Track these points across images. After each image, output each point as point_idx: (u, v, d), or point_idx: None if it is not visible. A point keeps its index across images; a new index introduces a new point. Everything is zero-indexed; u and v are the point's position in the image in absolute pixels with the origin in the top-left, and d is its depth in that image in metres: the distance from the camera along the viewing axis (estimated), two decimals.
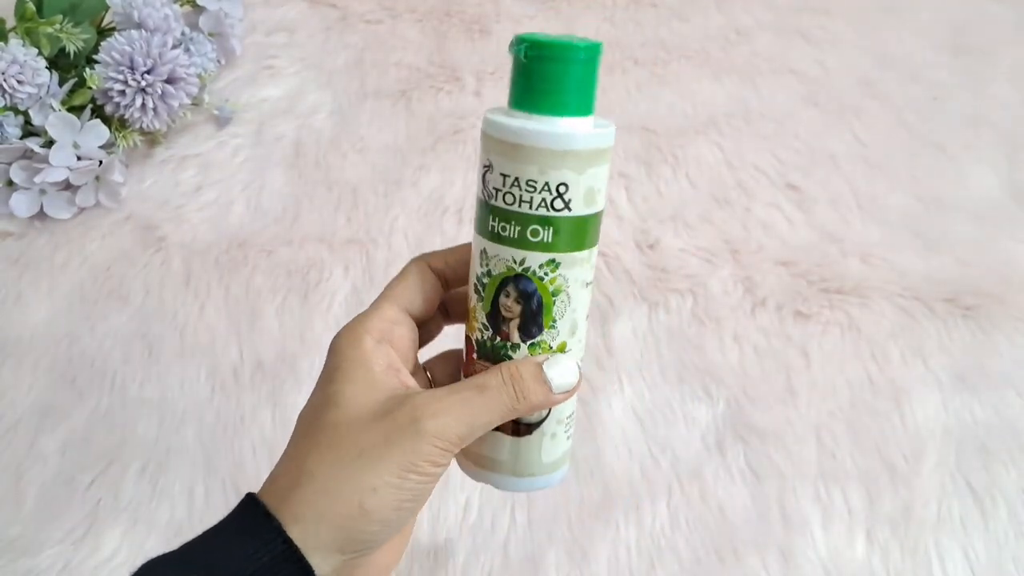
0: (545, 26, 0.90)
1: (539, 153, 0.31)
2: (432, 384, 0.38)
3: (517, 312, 0.33)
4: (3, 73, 0.65)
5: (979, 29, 0.88)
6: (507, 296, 0.33)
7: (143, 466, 0.54)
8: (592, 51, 0.32)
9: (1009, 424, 0.55)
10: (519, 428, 0.35)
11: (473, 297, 0.34)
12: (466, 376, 0.35)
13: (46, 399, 0.58)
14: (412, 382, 0.34)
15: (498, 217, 0.32)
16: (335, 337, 0.34)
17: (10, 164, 0.67)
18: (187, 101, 0.72)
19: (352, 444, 0.31)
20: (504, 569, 0.49)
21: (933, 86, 0.81)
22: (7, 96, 0.66)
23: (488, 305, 0.33)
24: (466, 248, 0.36)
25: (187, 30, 0.75)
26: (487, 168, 0.32)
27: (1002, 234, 0.67)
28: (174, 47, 0.71)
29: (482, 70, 0.83)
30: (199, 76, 0.73)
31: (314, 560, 0.30)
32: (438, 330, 0.39)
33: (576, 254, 0.33)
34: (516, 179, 0.31)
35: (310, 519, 0.30)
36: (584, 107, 0.32)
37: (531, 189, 0.31)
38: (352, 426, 0.31)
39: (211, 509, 0.52)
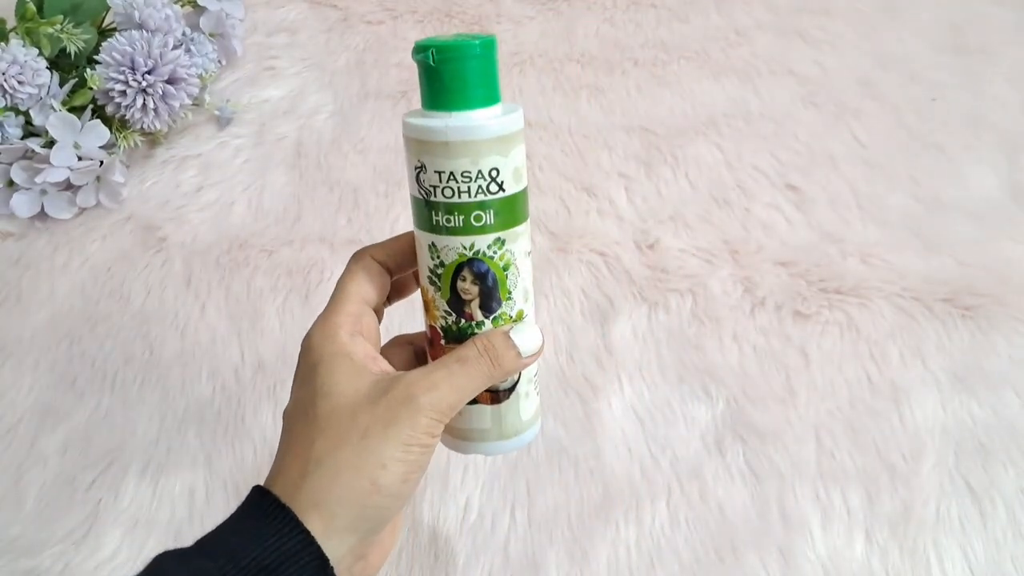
0: (545, 27, 0.90)
1: (468, 146, 0.34)
2: (420, 356, 0.41)
3: (475, 293, 0.36)
4: (4, 73, 0.65)
5: (979, 29, 0.88)
6: (463, 280, 0.36)
7: (143, 466, 0.54)
8: (490, 46, 0.34)
9: (1008, 424, 0.55)
10: (498, 396, 0.38)
11: (430, 289, 0.37)
12: (434, 359, 0.37)
13: (46, 399, 0.58)
14: (389, 367, 0.36)
15: (441, 211, 0.35)
16: (306, 337, 0.36)
17: (11, 164, 0.67)
18: (188, 102, 0.72)
19: (353, 428, 0.32)
20: (504, 569, 0.49)
21: (933, 86, 0.81)
22: (8, 96, 0.66)
23: (447, 292, 0.36)
24: (403, 238, 0.39)
25: (188, 30, 0.75)
26: (420, 169, 0.34)
27: (1002, 234, 0.67)
28: (175, 48, 0.71)
29: None
30: (200, 77, 0.73)
31: (331, 544, 0.31)
32: (381, 316, 0.41)
33: (516, 228, 0.36)
34: (451, 173, 0.34)
35: (327, 504, 0.31)
36: (494, 96, 0.35)
37: (467, 179, 0.34)
38: (349, 411, 0.33)
39: (212, 509, 0.53)
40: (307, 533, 0.31)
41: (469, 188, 0.34)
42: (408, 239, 0.38)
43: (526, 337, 0.36)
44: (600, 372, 0.58)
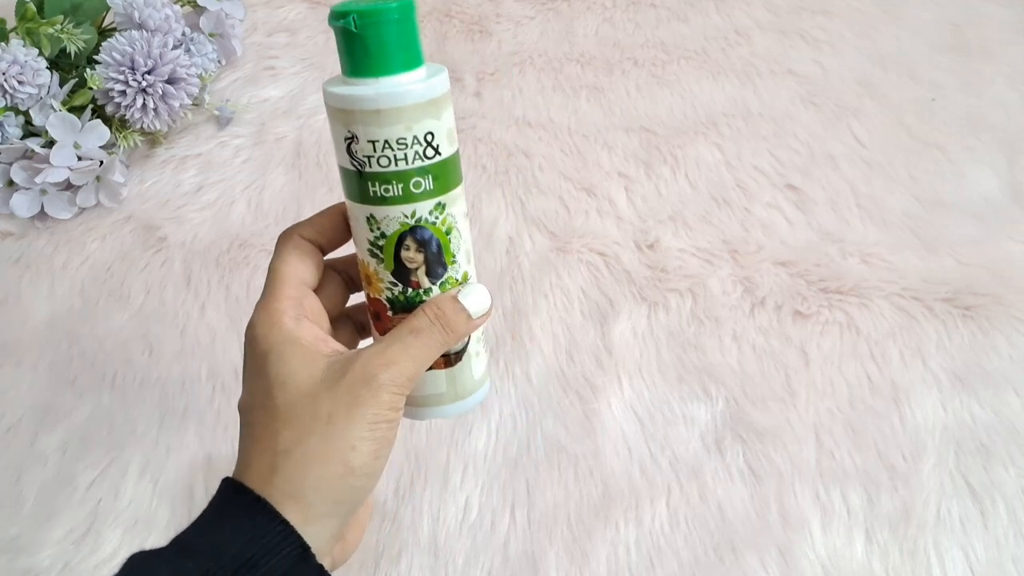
0: (545, 26, 0.90)
1: (401, 112, 0.33)
2: (361, 329, 0.41)
3: (420, 260, 0.35)
4: (4, 73, 0.65)
5: (979, 29, 0.88)
6: (407, 249, 0.35)
7: (143, 466, 0.54)
8: (409, 6, 0.33)
9: (1008, 424, 0.55)
10: (450, 359, 0.37)
11: (371, 262, 0.36)
12: (381, 333, 0.37)
13: (46, 399, 0.58)
14: (341, 347, 0.36)
15: (378, 181, 0.34)
16: (249, 327, 0.35)
17: (11, 164, 0.67)
18: (188, 101, 0.72)
19: (317, 414, 0.32)
20: (504, 569, 0.49)
21: (933, 86, 0.81)
22: (8, 96, 0.66)
23: (391, 263, 0.35)
24: (331, 212, 0.37)
25: (188, 30, 0.75)
26: (351, 140, 0.33)
27: (1002, 234, 0.67)
28: (175, 47, 0.71)
29: (482, 71, 0.84)
30: (200, 76, 0.73)
31: (311, 531, 0.31)
32: (344, 300, 0.40)
33: (454, 192, 0.35)
34: (386, 142, 0.33)
35: (303, 493, 0.31)
36: (418, 59, 0.34)
37: (403, 146, 0.33)
38: (309, 398, 0.33)
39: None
40: (286, 523, 0.31)
41: (406, 155, 0.33)
42: (337, 212, 0.37)
43: (475, 298, 0.36)
44: (600, 372, 0.58)
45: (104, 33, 0.75)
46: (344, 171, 0.35)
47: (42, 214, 0.69)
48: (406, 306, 0.36)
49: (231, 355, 0.60)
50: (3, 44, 0.67)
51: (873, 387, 0.57)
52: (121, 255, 0.67)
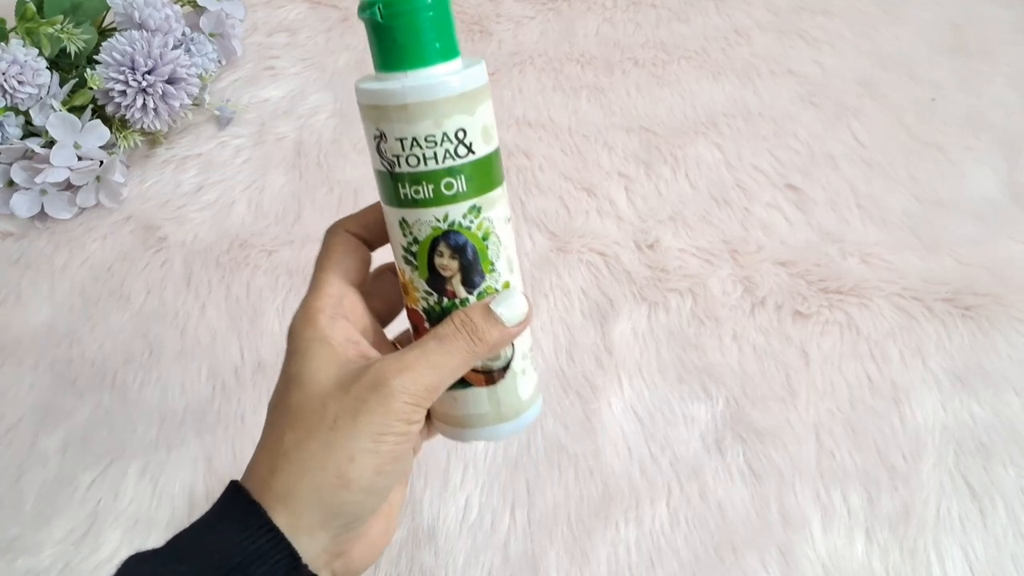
0: (545, 27, 0.90)
1: (429, 106, 0.31)
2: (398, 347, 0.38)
3: (455, 268, 0.33)
4: (4, 73, 0.65)
5: (979, 29, 0.88)
6: (441, 255, 0.33)
7: (143, 466, 0.54)
8: None
9: (1008, 424, 0.55)
10: (492, 376, 0.35)
11: (406, 269, 0.34)
12: None
13: (46, 399, 0.58)
14: (374, 352, 0.34)
15: (407, 182, 0.32)
16: (290, 324, 0.34)
17: (11, 164, 0.67)
18: (188, 101, 0.72)
19: (321, 417, 0.30)
20: (504, 569, 0.49)
21: (932, 86, 0.81)
22: (8, 96, 0.66)
23: (425, 271, 0.33)
24: (377, 206, 0.35)
25: (188, 30, 0.75)
26: (379, 138, 0.31)
27: (1002, 234, 0.67)
28: (175, 47, 0.71)
29: None
30: (200, 76, 0.73)
31: (302, 541, 0.30)
32: (400, 300, 0.38)
33: (492, 194, 0.33)
34: (414, 139, 0.31)
35: (294, 499, 0.30)
36: (452, 50, 0.32)
37: (432, 144, 0.31)
38: (319, 400, 0.31)
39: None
40: (276, 530, 0.29)
41: (435, 154, 0.31)
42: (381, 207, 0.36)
43: (508, 305, 0.33)
44: (600, 372, 0.58)
45: (104, 33, 0.75)
46: (377, 173, 0.33)
47: (42, 214, 0.69)
48: (443, 317, 0.34)
49: (231, 355, 0.60)
50: (3, 44, 0.67)
51: (873, 387, 0.57)
52: (121, 255, 0.67)
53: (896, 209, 0.70)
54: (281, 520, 0.30)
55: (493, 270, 0.33)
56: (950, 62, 0.84)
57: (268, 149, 0.76)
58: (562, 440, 0.55)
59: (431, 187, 0.32)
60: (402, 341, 0.38)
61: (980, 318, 0.61)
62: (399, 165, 0.31)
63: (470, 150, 0.32)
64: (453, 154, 0.31)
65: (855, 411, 0.56)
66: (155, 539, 0.51)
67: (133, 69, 0.68)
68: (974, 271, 0.64)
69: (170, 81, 0.70)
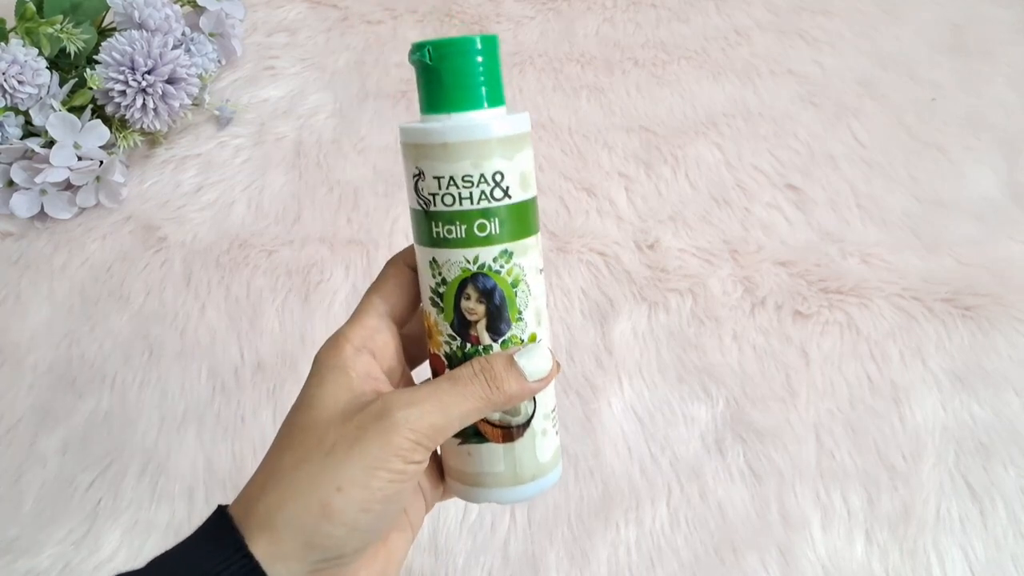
0: (545, 27, 0.90)
1: (469, 147, 0.31)
2: None
3: (481, 312, 0.33)
4: (3, 73, 0.65)
5: (979, 29, 0.88)
6: (468, 298, 0.32)
7: (143, 466, 0.54)
8: (491, 42, 0.32)
9: (1008, 424, 0.55)
10: (510, 432, 0.34)
11: (432, 312, 0.33)
12: None
13: (46, 400, 0.58)
14: (389, 388, 0.33)
15: (441, 221, 0.32)
16: (318, 351, 0.33)
17: (11, 164, 0.67)
18: (188, 101, 0.72)
19: (320, 443, 0.29)
20: (504, 569, 0.49)
21: (932, 86, 0.81)
22: (8, 96, 0.66)
23: (451, 313, 0.33)
24: None
25: (188, 30, 0.75)
26: (417, 176, 0.32)
27: (1002, 234, 0.67)
28: (175, 47, 0.71)
29: None
30: (200, 76, 0.73)
31: (276, 570, 0.28)
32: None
33: (525, 241, 0.33)
34: (451, 178, 0.31)
35: (275, 525, 0.28)
36: (498, 97, 0.33)
37: (468, 184, 0.31)
38: (322, 426, 0.30)
39: (211, 510, 0.52)
40: (250, 558, 0.28)
41: (471, 194, 0.31)
42: None
43: (533, 359, 0.32)
44: (600, 372, 0.58)
45: (104, 33, 0.75)
46: (412, 212, 0.33)
47: (42, 214, 0.69)
48: (464, 363, 0.33)
49: (231, 355, 0.60)
50: (3, 44, 0.67)
51: (873, 387, 0.57)
52: (121, 255, 0.67)
53: (896, 209, 0.70)
54: (260, 547, 0.28)
55: (520, 319, 0.33)
56: (950, 62, 0.84)
57: (268, 149, 0.76)
58: (562, 440, 0.55)
59: (464, 227, 0.32)
60: None
61: (980, 318, 0.61)
62: (434, 204, 0.32)
63: (506, 194, 0.32)
64: (489, 196, 0.32)
65: (855, 411, 0.56)
66: (155, 539, 0.51)
67: (133, 69, 0.68)
68: (974, 271, 0.64)
69: (170, 81, 0.70)
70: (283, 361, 0.60)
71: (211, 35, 0.78)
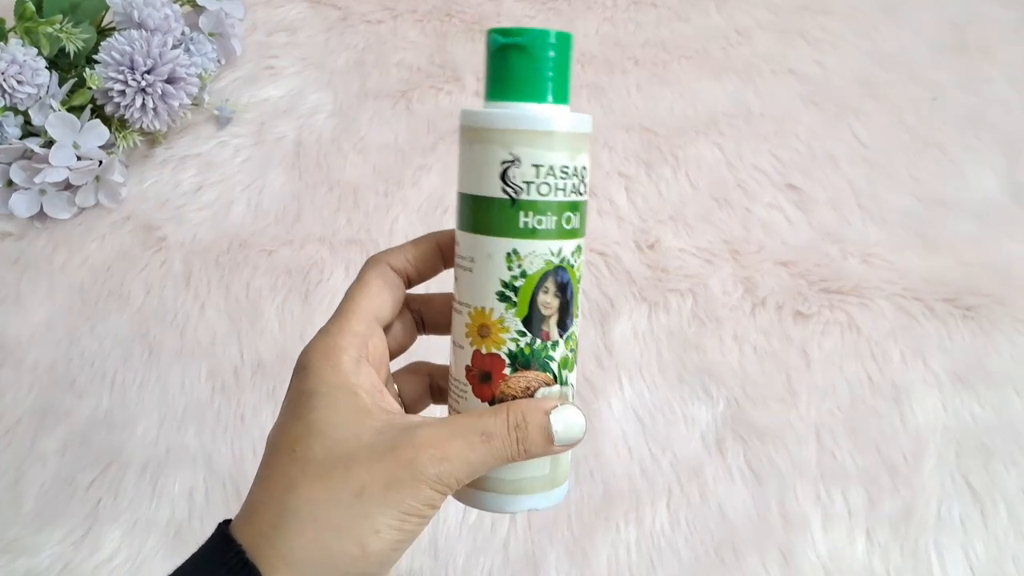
0: (545, 27, 0.90)
1: (572, 138, 0.31)
2: (400, 398, 0.36)
3: (556, 307, 0.32)
4: (3, 73, 0.65)
5: (980, 29, 0.88)
6: (546, 292, 0.31)
7: (143, 466, 0.54)
8: (568, 38, 0.32)
9: (1009, 424, 0.55)
10: None
11: (497, 308, 0.31)
12: (488, 400, 0.32)
13: (46, 399, 0.58)
14: (395, 404, 0.32)
15: (532, 211, 0.31)
16: (304, 354, 0.32)
17: (10, 164, 0.67)
18: (187, 101, 0.72)
19: (347, 482, 0.29)
20: (504, 569, 0.49)
21: (933, 86, 0.81)
22: (7, 96, 0.66)
23: (525, 308, 0.31)
24: (427, 242, 0.34)
25: (187, 30, 0.75)
26: (510, 163, 0.30)
27: (1002, 234, 0.67)
28: (174, 47, 0.71)
29: (483, 70, 0.83)
30: (199, 76, 0.73)
31: None
32: (411, 341, 0.37)
33: (585, 239, 0.33)
34: (551, 167, 0.31)
35: (301, 564, 0.28)
36: (567, 97, 0.33)
37: (564, 175, 0.31)
38: (344, 461, 0.29)
39: (211, 509, 0.52)
40: None
41: (566, 186, 0.31)
42: (431, 242, 0.34)
43: (568, 423, 0.31)
44: (600, 372, 0.58)
45: (103, 32, 0.75)
46: (484, 201, 0.31)
47: (41, 214, 0.69)
48: (530, 361, 0.32)
49: (231, 355, 0.60)
50: (2, 44, 0.67)
51: (874, 387, 0.57)
52: (120, 255, 0.67)
53: (897, 209, 0.70)
54: None
55: (577, 316, 0.33)
56: (951, 62, 0.84)
57: (268, 149, 0.76)
58: None
59: (554, 219, 0.31)
60: (397, 379, 0.37)
61: (981, 318, 0.60)
62: (527, 192, 0.31)
63: (585, 190, 0.32)
64: (577, 190, 0.31)
65: (856, 411, 0.56)
66: (154, 539, 0.51)
67: (132, 69, 0.68)
68: (975, 271, 0.64)
69: (169, 81, 0.70)
70: (283, 361, 0.60)
71: (211, 35, 0.78)
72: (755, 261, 0.65)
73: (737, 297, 0.63)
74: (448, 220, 0.69)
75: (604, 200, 0.71)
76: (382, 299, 0.33)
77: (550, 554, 0.50)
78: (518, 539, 0.50)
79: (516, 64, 0.31)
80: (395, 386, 0.36)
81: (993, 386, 0.57)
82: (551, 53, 0.31)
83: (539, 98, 0.31)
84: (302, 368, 0.31)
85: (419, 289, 0.36)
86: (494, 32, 0.32)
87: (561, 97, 0.32)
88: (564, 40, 0.32)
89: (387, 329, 0.35)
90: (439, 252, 0.35)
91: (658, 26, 0.89)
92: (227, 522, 0.30)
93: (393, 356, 0.36)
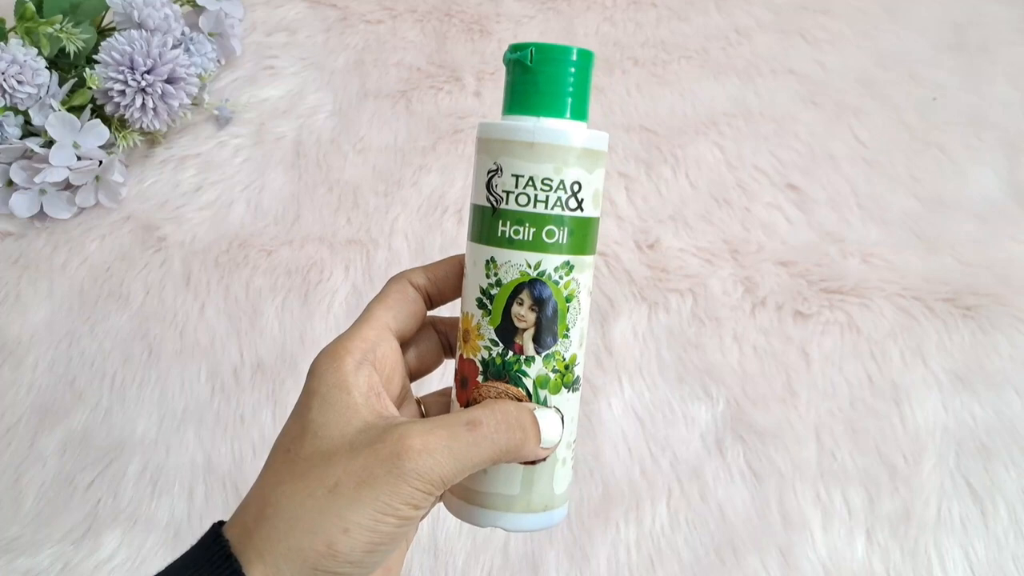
0: (545, 26, 0.90)
1: (555, 151, 0.31)
2: (425, 416, 0.36)
3: (531, 321, 0.32)
4: (3, 73, 0.65)
5: (980, 28, 0.88)
6: (520, 304, 0.32)
7: (143, 466, 0.54)
8: (588, 57, 0.32)
9: (1009, 424, 0.55)
10: None
11: (476, 314, 0.32)
12: (463, 404, 0.33)
13: (46, 399, 0.58)
14: (393, 409, 0.32)
15: (510, 221, 0.31)
16: (315, 359, 0.32)
17: (10, 164, 0.67)
18: (187, 101, 0.72)
19: (324, 477, 0.28)
20: (504, 569, 0.49)
21: (933, 86, 0.81)
22: (7, 96, 0.66)
23: (498, 318, 0.32)
24: (449, 263, 0.35)
25: (187, 30, 0.75)
26: (494, 172, 0.31)
27: (1002, 234, 0.67)
28: (174, 47, 0.71)
29: (482, 70, 0.83)
30: (199, 76, 0.73)
31: None
32: (436, 362, 0.37)
33: (586, 258, 0.32)
34: (531, 179, 0.31)
35: (274, 556, 0.28)
36: (583, 112, 0.33)
37: (547, 188, 0.31)
38: (326, 458, 0.29)
39: (211, 509, 0.52)
40: None
41: (547, 198, 0.31)
42: (456, 262, 0.35)
43: (550, 424, 0.31)
44: (600, 372, 0.58)
45: (103, 33, 0.75)
46: (476, 209, 0.32)
47: (41, 214, 0.69)
48: (501, 372, 0.32)
49: (230, 355, 0.60)
50: (2, 44, 0.67)
51: (874, 387, 0.57)
52: (120, 255, 0.67)
53: (897, 209, 0.70)
54: (256, 575, 0.28)
55: (567, 336, 0.32)
56: (951, 61, 0.84)
57: (267, 149, 0.76)
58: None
59: (533, 230, 0.31)
60: (427, 402, 0.37)
61: (981, 318, 0.60)
62: (506, 201, 0.31)
63: (580, 206, 0.32)
64: (564, 204, 0.31)
65: (855, 411, 0.56)
66: (154, 539, 0.51)
67: (132, 69, 0.68)
68: (975, 271, 0.64)
69: (169, 81, 0.70)
70: (282, 361, 0.60)
71: (210, 35, 0.78)
72: (755, 261, 0.65)
73: (737, 297, 0.63)
74: (448, 220, 0.69)
75: (604, 200, 0.71)
76: (397, 310, 0.33)
77: (550, 554, 0.50)
78: (518, 539, 0.50)
79: (519, 78, 0.32)
80: (420, 405, 0.36)
81: (993, 386, 0.57)
82: (556, 68, 0.32)
83: (537, 112, 0.32)
84: (309, 371, 0.32)
85: (444, 312, 0.36)
86: (509, 47, 0.32)
87: (570, 112, 0.32)
88: (564, 53, 0.32)
89: (407, 345, 0.35)
90: (461, 272, 0.34)
91: (658, 26, 0.89)
92: (218, 523, 0.31)
93: (417, 376, 0.36)
